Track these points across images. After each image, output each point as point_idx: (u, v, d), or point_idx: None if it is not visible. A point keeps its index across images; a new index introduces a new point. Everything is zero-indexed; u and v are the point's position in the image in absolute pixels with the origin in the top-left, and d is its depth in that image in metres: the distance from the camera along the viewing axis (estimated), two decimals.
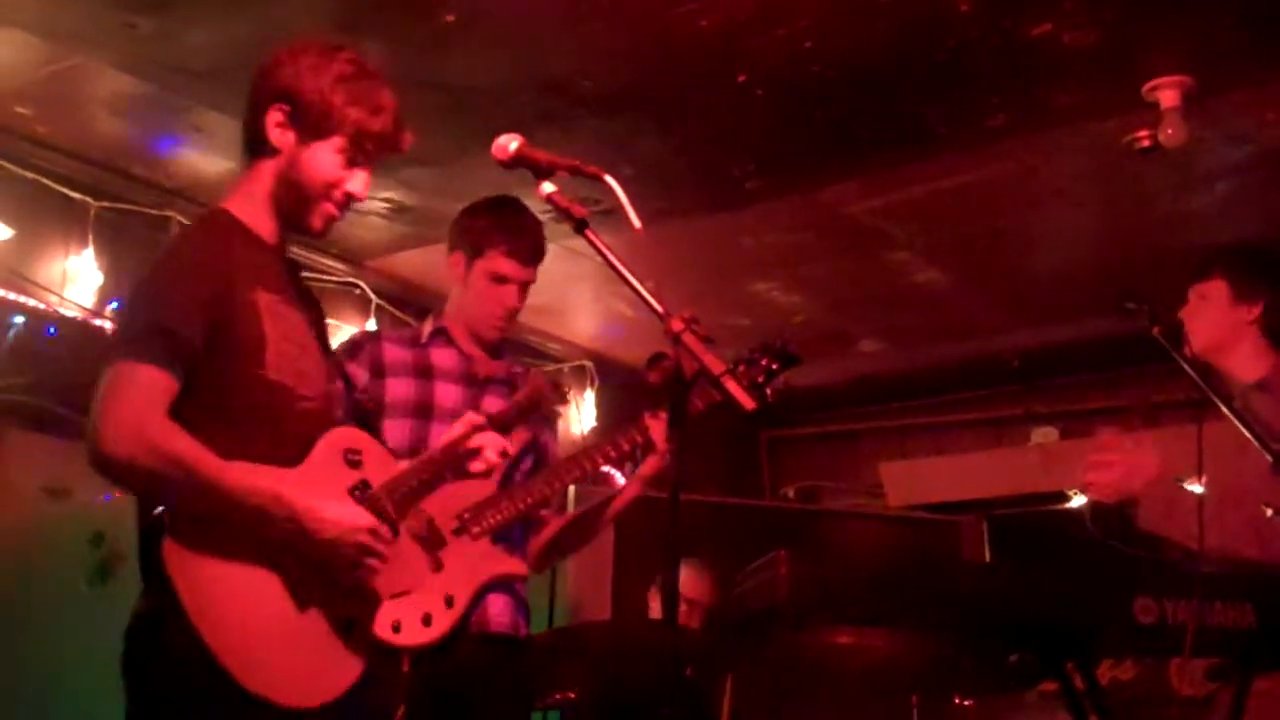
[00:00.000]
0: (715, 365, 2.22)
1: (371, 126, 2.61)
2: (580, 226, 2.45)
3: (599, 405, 6.97)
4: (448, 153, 4.96)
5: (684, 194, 5.27)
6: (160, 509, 2.40)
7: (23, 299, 4.96)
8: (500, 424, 2.94)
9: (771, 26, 4.12)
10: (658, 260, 5.32)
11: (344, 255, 6.01)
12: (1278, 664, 2.97)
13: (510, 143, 2.58)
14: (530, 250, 3.53)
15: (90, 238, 5.16)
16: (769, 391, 3.48)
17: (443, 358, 3.53)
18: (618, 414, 2.78)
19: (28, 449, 4.86)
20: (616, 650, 4.16)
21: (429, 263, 5.64)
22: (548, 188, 2.51)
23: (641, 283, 2.36)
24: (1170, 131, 4.37)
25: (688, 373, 2.26)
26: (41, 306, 5.00)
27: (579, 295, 6.28)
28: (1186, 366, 3.31)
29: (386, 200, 5.46)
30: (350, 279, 6.05)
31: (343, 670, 2.49)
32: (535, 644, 3.62)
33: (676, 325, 2.26)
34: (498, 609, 3.35)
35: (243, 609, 2.39)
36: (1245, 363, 3.48)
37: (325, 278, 5.94)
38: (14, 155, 4.97)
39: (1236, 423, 3.14)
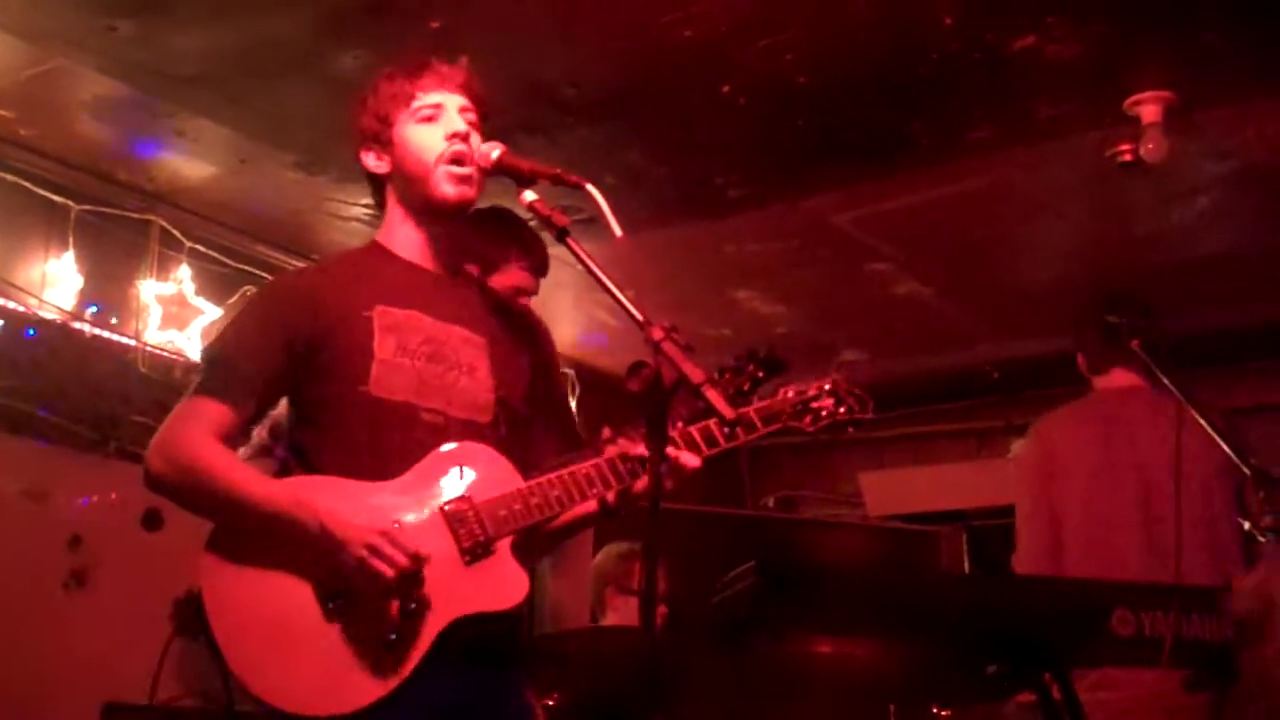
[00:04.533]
0: (695, 374, 2.22)
1: (416, 79, 2.66)
2: (562, 235, 2.46)
3: (580, 413, 6.97)
4: None
5: (666, 203, 5.27)
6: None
7: (1, 301, 4.94)
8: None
9: (756, 37, 4.13)
10: (639, 269, 5.31)
11: None
12: None
13: (492, 150, 2.59)
14: (545, 264, 3.50)
15: (71, 241, 5.14)
16: (756, 398, 3.46)
17: None
18: (598, 422, 2.79)
19: (5, 452, 4.83)
20: (596, 657, 4.16)
21: None
22: (529, 195, 2.52)
23: (622, 291, 2.36)
24: (1152, 146, 4.39)
25: (668, 381, 2.26)
26: (20, 309, 4.98)
27: (560, 303, 6.27)
28: (1164, 379, 3.33)
29: (367, 207, 5.44)
30: None
31: (363, 686, 2.38)
32: None
33: (656, 334, 2.26)
34: None
35: (261, 615, 2.40)
36: None
37: None
38: None
39: (1215, 437, 3.16)
